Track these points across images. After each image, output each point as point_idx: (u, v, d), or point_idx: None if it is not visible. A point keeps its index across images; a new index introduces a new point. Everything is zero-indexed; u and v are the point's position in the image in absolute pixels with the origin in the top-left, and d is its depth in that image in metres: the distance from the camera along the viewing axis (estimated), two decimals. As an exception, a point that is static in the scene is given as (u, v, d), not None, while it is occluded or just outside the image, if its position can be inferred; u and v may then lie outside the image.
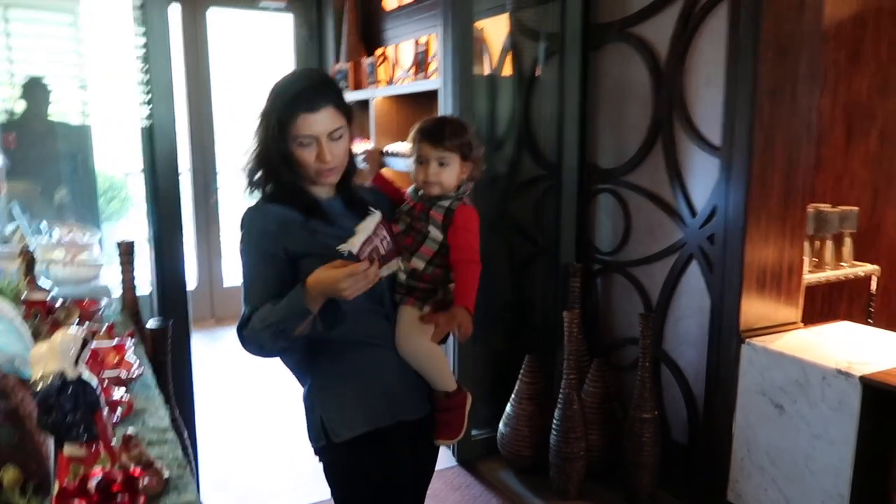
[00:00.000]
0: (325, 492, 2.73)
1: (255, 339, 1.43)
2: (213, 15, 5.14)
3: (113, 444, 1.07)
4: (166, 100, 2.30)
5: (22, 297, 1.82)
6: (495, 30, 3.36)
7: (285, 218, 1.47)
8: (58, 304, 1.83)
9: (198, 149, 5.22)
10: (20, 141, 3.95)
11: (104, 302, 2.05)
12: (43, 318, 1.77)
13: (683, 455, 2.75)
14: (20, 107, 3.98)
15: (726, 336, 2.51)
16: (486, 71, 3.44)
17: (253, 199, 1.55)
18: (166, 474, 1.09)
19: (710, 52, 2.50)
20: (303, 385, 1.61)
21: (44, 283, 2.11)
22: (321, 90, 1.44)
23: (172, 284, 2.40)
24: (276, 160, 1.47)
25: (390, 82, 4.35)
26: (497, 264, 3.38)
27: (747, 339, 2.45)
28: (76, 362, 0.92)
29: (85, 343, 0.94)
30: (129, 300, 2.16)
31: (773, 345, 2.39)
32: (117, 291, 2.90)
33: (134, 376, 1.48)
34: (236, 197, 5.76)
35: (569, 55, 3.02)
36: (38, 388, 0.89)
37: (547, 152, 3.16)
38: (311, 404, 1.57)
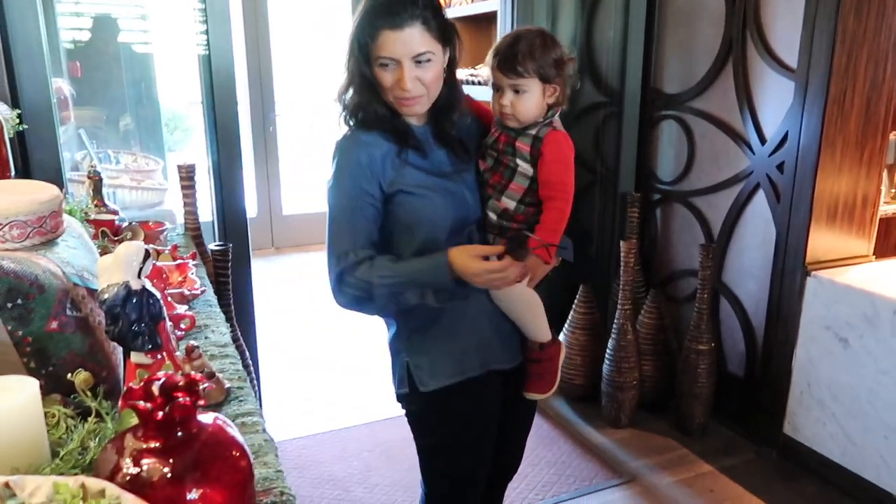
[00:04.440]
0: (376, 413, 2.86)
1: (361, 291, 1.32)
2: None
3: (176, 354, 1.11)
4: (223, 27, 2.29)
5: (90, 218, 1.89)
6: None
7: (378, 147, 1.34)
8: (124, 226, 1.89)
9: (255, 78, 5.23)
10: (85, 69, 4.04)
11: (168, 225, 2.10)
12: (110, 238, 1.84)
13: (739, 388, 2.71)
14: (85, 36, 4.05)
15: (791, 268, 2.43)
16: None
17: (346, 129, 1.41)
18: (227, 384, 1.14)
19: (790, -36, 2.32)
20: (388, 328, 1.51)
21: (114, 205, 2.18)
22: (408, 5, 1.25)
23: (232, 211, 2.46)
24: (362, 83, 1.33)
25: (449, 6, 4.23)
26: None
27: (813, 272, 2.36)
28: (139, 274, 0.96)
29: (147, 255, 0.97)
30: (191, 223, 2.22)
31: (840, 278, 2.29)
32: (181, 216, 3.00)
33: (197, 294, 1.53)
34: (294, 126, 5.80)
35: (635, -29, 2.85)
36: (105, 298, 0.93)
37: (609, 77, 3.03)
38: (397, 349, 1.49)
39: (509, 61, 1.37)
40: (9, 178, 1.82)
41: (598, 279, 3.04)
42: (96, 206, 2.03)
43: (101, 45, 4.09)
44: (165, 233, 2.09)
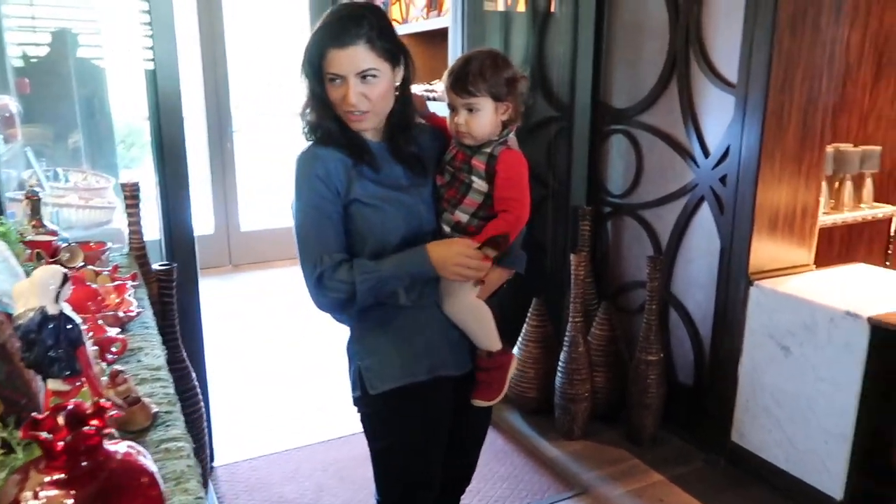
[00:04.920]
0: (332, 432, 2.84)
1: (341, 293, 1.37)
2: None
3: (102, 379, 1.09)
4: (168, 42, 2.26)
5: (27, 239, 1.85)
6: (509, -37, 3.24)
7: (334, 161, 1.40)
8: (62, 247, 1.85)
9: (212, 94, 5.19)
10: (34, 86, 3.96)
11: (111, 245, 2.06)
12: (47, 259, 1.80)
13: (688, 397, 2.76)
14: (34, 52, 3.97)
15: (735, 278, 2.48)
16: (501, 7, 3.33)
17: (307, 143, 1.48)
18: (154, 409, 1.12)
19: (728, -17, 2.39)
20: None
21: (53, 226, 2.13)
22: (353, 26, 1.32)
23: (179, 229, 2.41)
24: (315, 101, 1.40)
25: (405, 22, 4.25)
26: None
27: (756, 282, 2.41)
28: (57, 298, 0.94)
29: (66, 279, 0.95)
30: (136, 242, 2.18)
31: (781, 287, 2.35)
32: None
33: (132, 316, 1.51)
34: (252, 142, 5.76)
35: (583, -11, 2.91)
36: (20, 324, 0.91)
37: (560, 92, 3.08)
38: (351, 353, 1.55)
39: (461, 81, 1.42)
40: (-63, 199, 1.77)
41: (552, 292, 3.07)
42: (34, 226, 1.99)
43: (50, 61, 4.01)
44: (107, 253, 2.06)
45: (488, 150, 1.44)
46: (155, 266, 2.12)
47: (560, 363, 2.76)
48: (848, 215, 2.79)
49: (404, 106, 1.47)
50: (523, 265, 1.60)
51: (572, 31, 2.96)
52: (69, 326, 0.94)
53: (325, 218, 1.40)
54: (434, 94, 3.42)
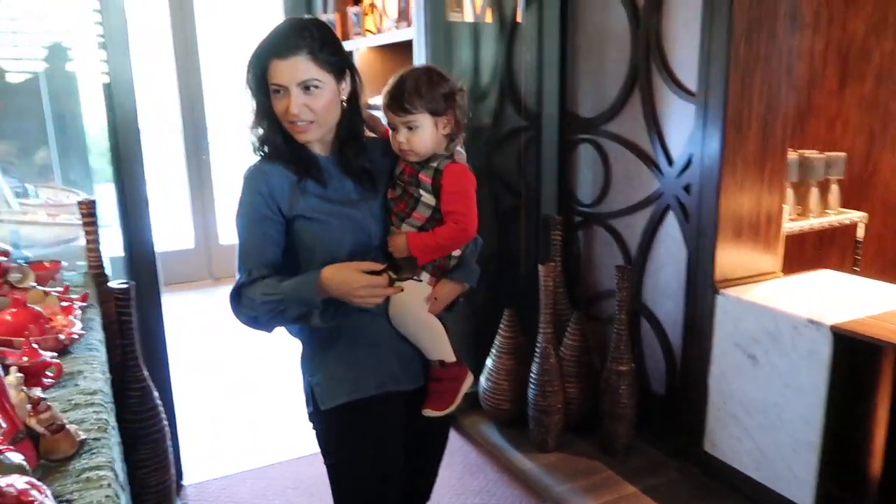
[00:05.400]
0: (303, 449, 2.80)
1: (251, 310, 1.40)
2: (197, -31, 5.03)
3: (26, 406, 1.07)
4: (122, 56, 2.25)
5: (-24, 261, 1.82)
6: (476, -26, 3.24)
7: (278, 177, 1.41)
8: (13, 266, 1.82)
9: (188, 107, 5.17)
10: (3, 102, 3.92)
11: (64, 264, 2.04)
12: (-2, 281, 1.77)
13: (661, 406, 2.74)
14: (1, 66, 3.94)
15: (702, 287, 2.47)
16: (469, 18, 3.33)
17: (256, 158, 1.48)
18: (82, 436, 1.10)
19: (687, -7, 2.40)
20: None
21: (5, 245, 2.10)
22: (294, 37, 1.34)
23: (139, 246, 2.39)
24: (261, 114, 1.41)
25: (379, 32, 4.25)
26: (481, 217, 3.32)
27: (722, 290, 2.41)
28: (-34, 327, 0.92)
29: (-24, 307, 0.93)
30: (93, 261, 2.15)
31: (746, 295, 2.35)
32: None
33: (75, 339, 1.48)
34: (229, 153, 5.73)
35: None
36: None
37: (528, 102, 3.08)
38: (303, 369, 1.55)
39: (397, 100, 1.43)
40: None
41: (523, 302, 3.05)
42: (-16, 247, 1.96)
43: (16, 75, 3.97)
44: (60, 273, 2.03)
45: (434, 164, 1.45)
46: (111, 284, 2.09)
47: (532, 375, 2.75)
48: (814, 221, 2.79)
49: (351, 119, 1.47)
50: (475, 279, 1.59)
51: (538, 41, 2.96)
52: (-20, 356, 0.92)
53: (261, 234, 1.42)
54: (376, 105, 3.43)
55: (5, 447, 0.89)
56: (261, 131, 1.43)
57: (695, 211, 2.47)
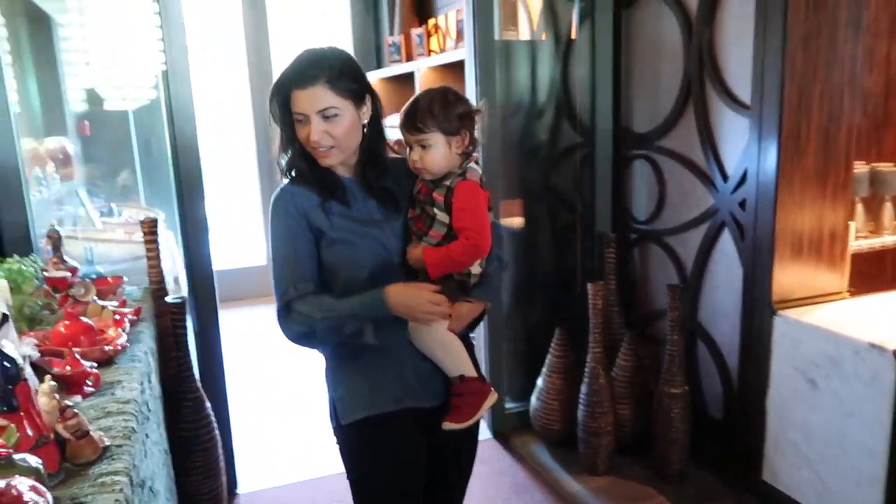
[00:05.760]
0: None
1: (303, 326, 1.43)
2: (272, -3, 5.27)
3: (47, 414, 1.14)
4: (183, 83, 2.39)
5: (47, 276, 1.97)
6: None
7: (304, 198, 1.47)
8: (77, 282, 1.96)
9: (262, 129, 5.40)
10: (94, 128, 4.23)
11: (126, 279, 2.17)
12: (63, 295, 1.91)
13: (718, 431, 2.63)
14: (94, 95, 4.25)
15: (758, 308, 2.36)
16: (525, 36, 3.34)
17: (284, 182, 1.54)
18: (106, 443, 1.16)
19: (740, 4, 2.32)
20: None
21: (74, 262, 2.25)
22: (312, 68, 1.40)
23: (198, 265, 2.51)
24: (286, 140, 1.47)
25: (442, 52, 4.32)
26: (539, 234, 3.32)
27: (780, 311, 2.29)
28: (-5, 338, 1.00)
29: (5, 319, 1.01)
30: (154, 276, 2.28)
31: (806, 317, 2.22)
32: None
33: (118, 350, 1.57)
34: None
35: (600, 13, 2.89)
36: (-41, 362, 0.97)
37: (583, 118, 3.05)
38: (327, 384, 1.60)
39: (410, 119, 1.47)
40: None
41: (576, 321, 3.00)
42: (54, 263, 2.12)
43: (108, 106, 4.27)
44: (122, 287, 2.16)
45: (447, 182, 1.48)
46: (167, 299, 2.21)
47: (581, 395, 2.69)
48: (888, 239, 2.61)
49: (372, 142, 1.52)
50: (496, 298, 1.60)
51: (591, 57, 2.93)
52: (7, 364, 1.00)
53: (295, 251, 1.46)
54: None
55: (26, 451, 0.96)
56: (287, 157, 1.50)
57: (750, 228, 2.37)
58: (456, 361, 1.52)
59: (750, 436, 2.44)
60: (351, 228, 1.48)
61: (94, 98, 4.26)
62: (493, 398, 1.58)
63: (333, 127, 1.42)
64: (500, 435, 3.07)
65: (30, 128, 3.75)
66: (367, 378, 1.52)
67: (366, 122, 1.49)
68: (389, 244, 1.50)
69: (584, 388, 2.68)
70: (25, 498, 0.78)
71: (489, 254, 1.52)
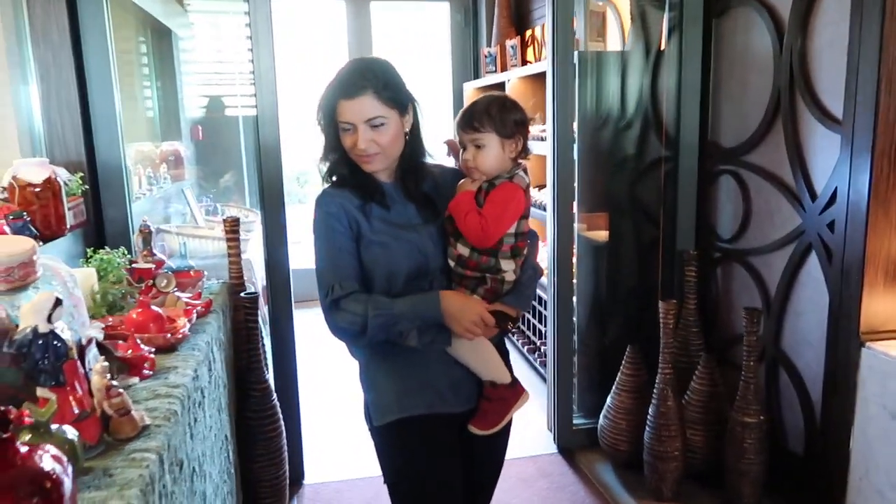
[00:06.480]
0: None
1: (352, 324, 1.46)
2: (376, 9, 5.46)
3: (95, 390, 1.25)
4: (269, 91, 2.52)
5: (136, 266, 2.15)
6: (625, 3, 3.19)
7: (345, 199, 1.52)
8: (159, 273, 2.12)
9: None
10: (206, 133, 4.57)
11: (205, 274, 2.32)
12: (148, 285, 2.08)
13: (798, 467, 2.45)
14: (208, 102, 4.59)
15: (844, 338, 2.19)
16: (614, 47, 3.28)
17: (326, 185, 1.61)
18: (146, 422, 1.26)
19: (834, 10, 2.17)
20: None
21: (162, 255, 2.44)
22: (360, 78, 1.45)
23: (276, 266, 2.65)
24: (331, 147, 1.54)
25: (538, 61, 4.32)
26: (623, 249, 3.24)
27: (868, 343, 2.11)
28: (49, 318, 1.11)
29: (58, 303, 1.12)
30: (234, 272, 2.43)
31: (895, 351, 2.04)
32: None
33: (180, 339, 1.69)
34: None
35: (689, 23, 2.80)
36: (16, 339, 1.09)
37: (670, 131, 2.95)
38: (362, 386, 1.65)
39: (467, 118, 1.52)
40: (65, 232, 2.13)
41: (653, 340, 2.90)
42: (144, 256, 2.31)
43: (220, 113, 4.59)
44: (202, 281, 2.32)
45: (496, 183, 1.51)
46: (241, 294, 2.35)
47: (649, 417, 2.59)
48: None
49: (413, 149, 1.56)
50: (527, 305, 1.61)
51: (678, 68, 2.84)
52: (57, 343, 1.11)
53: (339, 249, 1.51)
54: (543, 134, 3.44)
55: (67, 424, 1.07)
56: (329, 163, 1.56)
57: (839, 251, 2.20)
58: (488, 366, 1.54)
59: (831, 477, 2.26)
60: (389, 231, 1.52)
61: (207, 105, 4.60)
62: (523, 401, 1.60)
63: (380, 135, 1.48)
64: (565, 451, 3.01)
65: (150, 133, 4.11)
66: (398, 382, 1.55)
67: (407, 129, 1.54)
68: (426, 248, 1.53)
69: (651, 409, 2.58)
70: (42, 463, 0.87)
71: (525, 261, 1.53)
